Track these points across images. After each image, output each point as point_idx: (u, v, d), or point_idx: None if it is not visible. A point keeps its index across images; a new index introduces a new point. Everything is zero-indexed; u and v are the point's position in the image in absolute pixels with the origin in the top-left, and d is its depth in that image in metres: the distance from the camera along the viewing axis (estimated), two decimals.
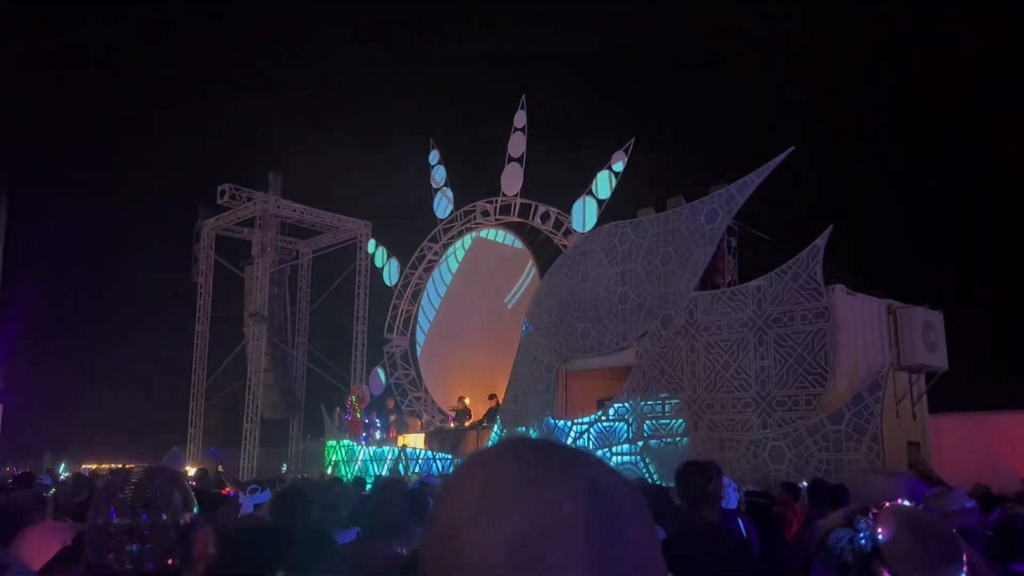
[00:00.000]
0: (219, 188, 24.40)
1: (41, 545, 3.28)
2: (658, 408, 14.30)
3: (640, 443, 14.30)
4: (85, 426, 29.50)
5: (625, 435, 14.62)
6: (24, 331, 27.85)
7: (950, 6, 21.23)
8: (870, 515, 1.61)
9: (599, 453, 14.27)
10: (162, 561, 1.83)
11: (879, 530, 1.57)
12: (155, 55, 34.82)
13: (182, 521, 1.87)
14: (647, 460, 14.09)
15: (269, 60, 32.78)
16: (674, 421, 14.02)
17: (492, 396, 18.67)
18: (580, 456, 0.84)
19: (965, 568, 1.55)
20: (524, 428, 16.42)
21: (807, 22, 24.02)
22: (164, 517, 1.83)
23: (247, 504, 5.54)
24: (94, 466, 26.90)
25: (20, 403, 27.59)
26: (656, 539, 0.83)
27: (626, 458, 14.40)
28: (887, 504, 1.64)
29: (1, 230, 25.46)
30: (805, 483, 8.66)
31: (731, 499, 5.86)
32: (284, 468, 23.43)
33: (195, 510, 1.96)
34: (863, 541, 1.57)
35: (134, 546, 1.81)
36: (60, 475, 15.22)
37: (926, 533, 1.56)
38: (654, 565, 0.80)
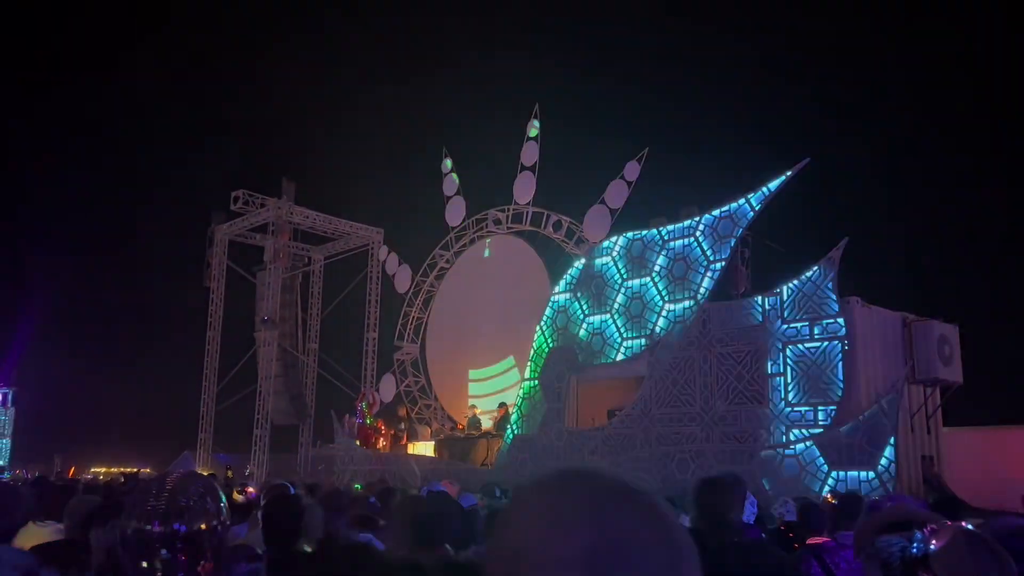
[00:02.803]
0: (233, 194, 24.50)
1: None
2: (670, 419, 14.24)
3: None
4: (95, 430, 29.61)
5: (636, 445, 14.55)
6: (36, 335, 28.01)
7: (964, 17, 21.18)
8: (927, 529, 1.65)
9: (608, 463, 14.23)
10: (194, 568, 1.82)
11: (933, 542, 1.62)
12: (170, 61, 35.07)
13: (215, 529, 1.86)
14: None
15: (284, 68, 32.95)
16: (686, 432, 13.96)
17: (502, 404, 18.65)
18: (633, 483, 0.92)
19: None
20: (535, 437, 16.38)
21: (823, 32, 24.01)
22: (197, 526, 1.82)
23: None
24: (103, 470, 27.01)
25: (31, 407, 27.73)
26: (694, 551, 0.90)
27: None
28: (949, 523, 1.69)
29: None
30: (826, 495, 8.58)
31: (748, 514, 5.82)
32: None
33: (226, 517, 1.95)
34: (915, 550, 1.63)
35: (165, 552, 1.80)
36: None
37: (980, 551, 1.58)
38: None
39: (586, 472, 0.93)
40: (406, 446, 19.99)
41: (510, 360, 20.61)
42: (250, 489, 7.37)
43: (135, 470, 21.54)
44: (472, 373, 21.82)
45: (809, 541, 4.82)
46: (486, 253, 22.42)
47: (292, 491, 5.45)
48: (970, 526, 1.74)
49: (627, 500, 0.88)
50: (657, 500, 0.90)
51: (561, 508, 0.86)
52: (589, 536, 0.83)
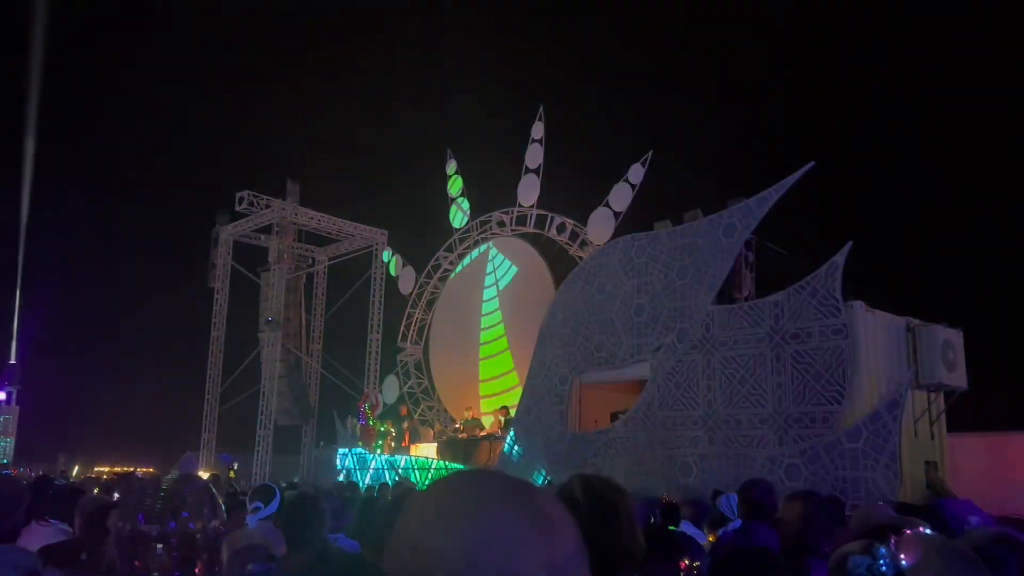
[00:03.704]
0: (238, 195, 24.55)
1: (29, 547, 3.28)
2: (673, 422, 14.22)
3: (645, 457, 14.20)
4: (99, 429, 29.67)
5: (639, 448, 14.53)
6: (41, 335, 28.07)
7: (971, 24, 21.13)
8: (891, 542, 1.60)
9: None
10: (189, 567, 1.82)
11: (902, 557, 1.58)
12: (175, 62, 35.15)
13: (209, 530, 1.86)
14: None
15: (289, 69, 33.01)
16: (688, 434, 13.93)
17: (503, 407, 18.65)
18: (522, 482, 0.99)
19: None
20: (537, 440, 16.37)
21: (829, 37, 23.96)
22: (192, 526, 1.82)
23: (250, 522, 5.31)
24: (107, 469, 27.04)
25: (36, 406, 27.79)
26: (582, 550, 0.97)
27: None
28: (907, 531, 1.64)
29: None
30: None
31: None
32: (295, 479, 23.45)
33: (222, 518, 1.95)
34: (884, 568, 1.58)
35: (160, 551, 1.80)
36: (73, 478, 15.29)
37: (954, 559, 1.55)
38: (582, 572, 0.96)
39: (473, 474, 1.00)
40: (408, 448, 20.00)
41: (514, 362, 20.60)
42: None
43: (131, 470, 21.55)
44: (482, 373, 21.79)
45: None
46: (485, 252, 22.41)
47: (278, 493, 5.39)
48: (927, 531, 1.70)
49: (507, 497, 0.94)
50: (538, 496, 0.97)
51: (445, 506, 0.94)
52: (469, 530, 0.90)
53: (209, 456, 25.58)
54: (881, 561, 1.64)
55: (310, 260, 27.90)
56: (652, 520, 6.81)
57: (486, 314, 22.02)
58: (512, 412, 17.89)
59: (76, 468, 24.95)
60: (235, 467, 19.79)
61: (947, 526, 3.91)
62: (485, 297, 22.26)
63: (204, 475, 17.42)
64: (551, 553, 0.91)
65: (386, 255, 25.61)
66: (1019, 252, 18.65)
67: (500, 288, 21.91)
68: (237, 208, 24.81)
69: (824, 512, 4.89)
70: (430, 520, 0.93)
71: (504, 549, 0.89)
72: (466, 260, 23.01)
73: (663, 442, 14.21)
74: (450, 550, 0.89)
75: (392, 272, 24.86)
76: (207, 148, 32.60)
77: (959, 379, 13.56)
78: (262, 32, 33.84)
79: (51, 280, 29.61)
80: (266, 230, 25.73)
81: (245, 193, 24.44)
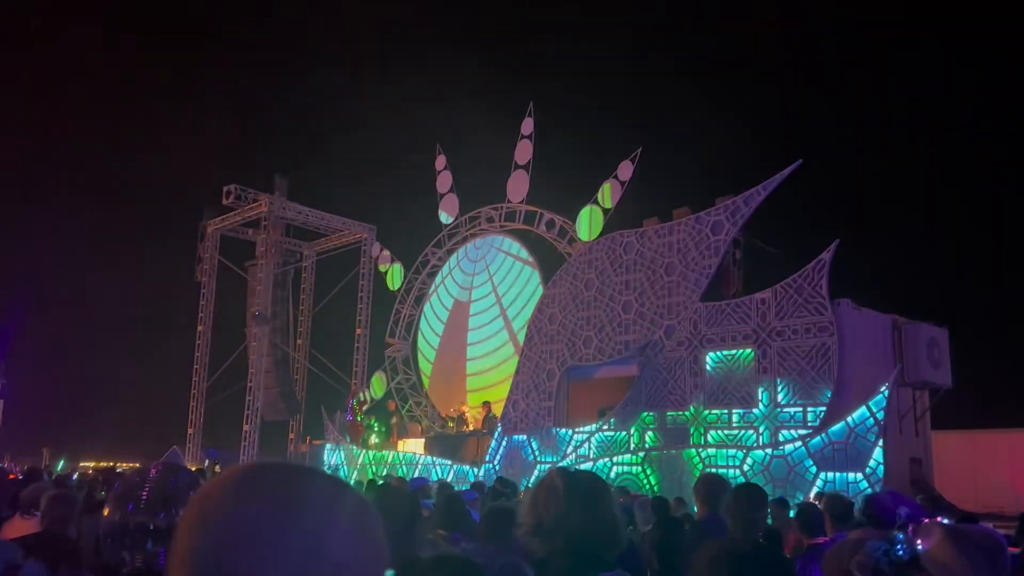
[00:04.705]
0: (224, 189, 24.42)
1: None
2: (661, 419, 14.27)
3: (641, 453, 14.24)
4: (84, 424, 29.48)
5: (626, 445, 14.57)
6: (24, 328, 27.87)
7: (959, 22, 21.25)
8: (909, 529, 1.64)
9: (601, 463, 14.25)
10: None
11: (919, 542, 1.61)
12: (163, 56, 34.94)
13: None
14: (648, 471, 14.03)
15: (276, 63, 32.87)
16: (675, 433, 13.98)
17: (485, 403, 18.67)
18: (292, 472, 0.95)
19: None
20: (523, 435, 16.40)
21: (815, 35, 24.06)
22: (181, 517, 1.81)
23: None
24: (92, 464, 26.88)
25: (19, 400, 27.60)
26: (363, 545, 0.93)
27: (627, 468, 14.35)
28: (927, 520, 1.67)
29: None
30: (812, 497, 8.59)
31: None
32: None
33: None
34: (900, 552, 1.61)
35: (149, 544, 1.80)
36: (57, 472, 15.20)
37: (969, 547, 1.58)
38: (366, 566, 0.92)
39: (245, 466, 0.98)
40: (396, 443, 19.98)
41: (502, 358, 20.61)
42: None
43: (112, 465, 21.44)
44: (470, 368, 21.79)
45: (811, 541, 4.85)
46: (474, 248, 22.41)
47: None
48: (946, 521, 1.73)
49: (268, 489, 0.92)
50: (312, 488, 0.93)
51: (206, 501, 0.92)
52: (221, 525, 0.88)
53: (195, 451, 25.48)
54: (898, 546, 1.67)
55: (298, 255, 27.80)
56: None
57: (475, 313, 22.01)
58: (495, 408, 17.91)
59: (61, 462, 24.80)
60: (217, 468, 19.71)
61: (879, 518, 3.95)
62: (474, 294, 22.25)
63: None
64: (315, 546, 0.88)
65: (383, 268, 25.28)
66: (1005, 251, 18.81)
67: (489, 284, 21.90)
68: (224, 202, 24.68)
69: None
70: (192, 515, 0.91)
71: (257, 544, 0.86)
72: (455, 256, 22.99)
73: (651, 438, 14.26)
74: (203, 547, 0.87)
75: (382, 267, 24.78)
76: (194, 142, 32.45)
77: (944, 377, 13.67)
78: (252, 25, 33.67)
79: (35, 273, 29.41)
80: (253, 224, 25.62)
81: (232, 187, 24.32)
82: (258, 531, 0.87)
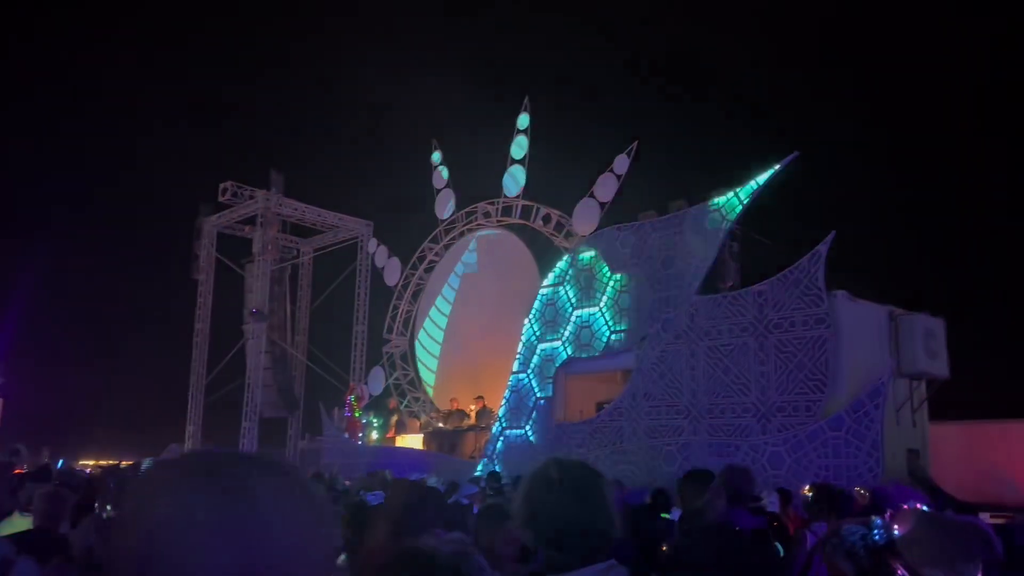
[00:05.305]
0: (221, 186, 24.39)
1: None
2: (658, 412, 14.29)
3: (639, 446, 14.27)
4: (83, 422, 29.48)
5: (624, 437, 14.59)
6: (24, 326, 27.84)
7: (946, 14, 21.24)
8: (887, 515, 1.66)
9: (595, 455, 14.26)
10: None
11: (895, 527, 1.63)
12: (158, 51, 34.85)
13: None
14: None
15: (273, 58, 32.80)
16: (673, 424, 14.00)
17: (479, 397, 18.68)
18: (230, 459, 0.94)
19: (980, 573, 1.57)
20: (521, 429, 16.42)
21: (809, 27, 24.04)
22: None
23: None
24: (92, 462, 26.89)
25: (19, 398, 27.57)
26: (311, 531, 0.92)
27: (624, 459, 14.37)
28: (905, 507, 1.69)
29: None
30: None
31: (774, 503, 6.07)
32: None
33: None
34: (877, 537, 1.63)
35: None
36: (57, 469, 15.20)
37: (944, 532, 1.59)
38: (308, 555, 0.90)
39: (187, 453, 0.99)
40: (394, 439, 20.00)
41: (500, 352, 20.61)
42: None
43: (116, 463, 21.46)
44: (462, 366, 21.81)
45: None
46: (471, 243, 22.41)
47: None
48: (924, 508, 1.75)
49: (202, 478, 0.91)
50: (251, 475, 0.92)
51: (143, 489, 0.92)
52: (152, 513, 0.88)
53: (194, 449, 25.47)
54: (875, 531, 1.69)
55: (295, 251, 27.77)
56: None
57: (472, 305, 22.02)
58: (486, 403, 17.95)
59: (61, 461, 24.78)
60: None
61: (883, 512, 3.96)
62: (472, 288, 22.26)
63: None
64: (249, 537, 0.87)
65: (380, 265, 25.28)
66: (1001, 242, 18.82)
67: (486, 279, 21.90)
68: (221, 199, 24.65)
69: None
70: (130, 503, 0.92)
71: (186, 534, 0.86)
72: (451, 251, 22.99)
73: (647, 431, 14.28)
74: (136, 534, 0.88)
75: (379, 263, 24.73)
76: (190, 138, 32.37)
77: (941, 368, 13.68)
78: (246, 22, 33.58)
79: (33, 271, 29.36)
80: (250, 221, 25.59)
81: (229, 184, 24.28)
82: (199, 516, 0.86)
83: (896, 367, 12.76)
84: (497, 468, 14.92)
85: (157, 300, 30.81)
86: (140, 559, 0.86)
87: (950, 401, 14.29)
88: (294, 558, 0.89)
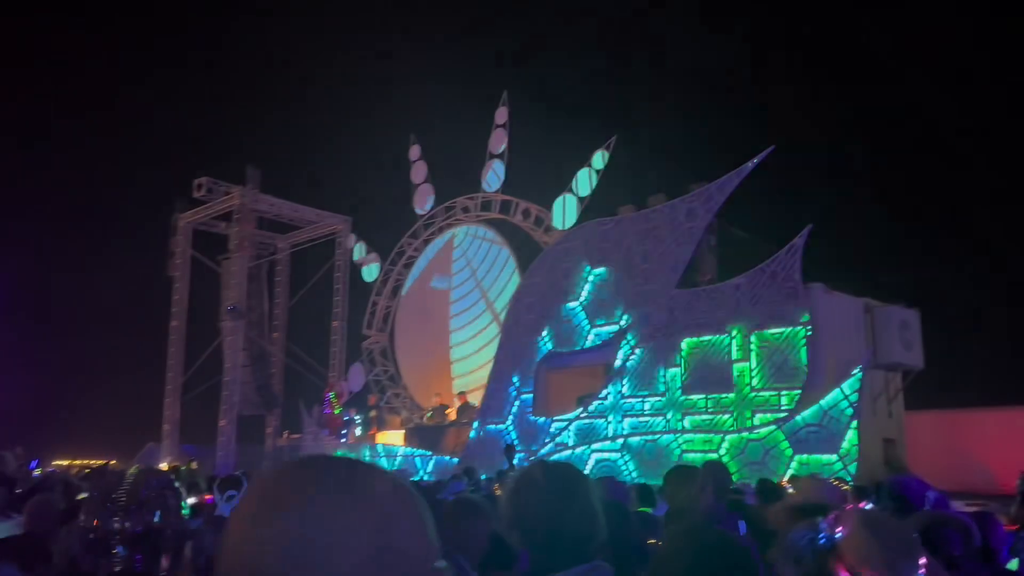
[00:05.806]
0: (196, 181, 24.14)
1: None
2: (638, 406, 14.35)
3: (620, 440, 14.33)
4: (58, 422, 29.10)
5: (605, 432, 14.65)
6: None
7: (926, 10, 21.45)
8: (831, 516, 1.67)
9: (579, 450, 14.32)
10: (154, 562, 1.80)
11: (838, 529, 1.64)
12: (133, 46, 34.41)
13: (174, 524, 1.84)
14: (627, 457, 14.12)
15: (248, 53, 32.47)
16: (653, 419, 14.08)
17: (461, 393, 18.69)
18: (352, 466, 0.96)
19: (923, 570, 1.59)
20: (502, 424, 16.43)
21: (784, 22, 24.18)
22: (156, 519, 1.80)
23: (223, 510, 5.34)
24: (66, 462, 26.58)
25: None
26: (424, 533, 0.95)
27: (606, 455, 14.43)
28: (848, 506, 1.70)
29: None
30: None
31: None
32: None
33: (185, 513, 1.93)
34: (822, 540, 1.64)
35: (122, 548, 1.78)
36: (32, 472, 15.02)
37: (882, 531, 1.61)
38: (424, 555, 0.93)
39: (306, 460, 0.98)
40: (375, 435, 19.94)
41: (480, 347, 20.62)
42: (208, 496, 6.61)
43: (104, 462, 21.23)
44: (442, 361, 21.79)
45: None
46: (450, 238, 22.38)
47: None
48: (868, 506, 1.75)
49: (334, 482, 0.93)
50: (372, 480, 0.94)
51: (270, 493, 0.92)
52: (289, 518, 0.89)
53: (172, 448, 25.27)
54: (821, 535, 1.67)
55: (272, 248, 27.57)
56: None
57: (454, 300, 22.00)
58: (471, 398, 17.94)
59: (35, 462, 24.46)
60: (193, 465, 19.57)
61: (908, 502, 4.01)
62: (453, 283, 22.23)
63: (164, 467, 17.22)
64: (380, 540, 0.89)
65: (356, 249, 25.20)
66: (975, 233, 19.06)
67: (466, 274, 21.89)
68: (196, 195, 24.40)
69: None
70: (256, 508, 0.91)
71: (326, 537, 0.87)
72: (431, 246, 22.94)
73: (628, 426, 14.34)
74: (271, 539, 0.88)
75: (356, 258, 24.61)
76: (164, 134, 32.01)
77: (916, 358, 13.86)
78: (223, 16, 33.23)
79: (6, 270, 28.94)
80: (226, 217, 25.36)
81: (204, 180, 24.03)
82: (329, 522, 0.88)
83: (872, 358, 12.90)
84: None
85: (132, 297, 30.44)
86: (276, 561, 0.87)
87: (925, 391, 14.47)
88: (415, 547, 0.93)
